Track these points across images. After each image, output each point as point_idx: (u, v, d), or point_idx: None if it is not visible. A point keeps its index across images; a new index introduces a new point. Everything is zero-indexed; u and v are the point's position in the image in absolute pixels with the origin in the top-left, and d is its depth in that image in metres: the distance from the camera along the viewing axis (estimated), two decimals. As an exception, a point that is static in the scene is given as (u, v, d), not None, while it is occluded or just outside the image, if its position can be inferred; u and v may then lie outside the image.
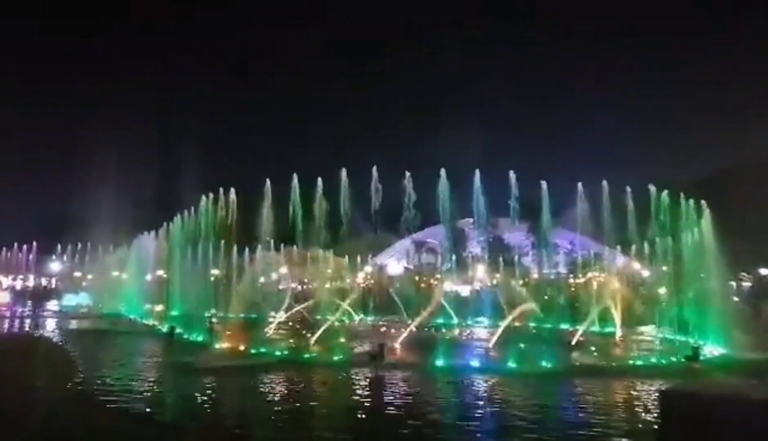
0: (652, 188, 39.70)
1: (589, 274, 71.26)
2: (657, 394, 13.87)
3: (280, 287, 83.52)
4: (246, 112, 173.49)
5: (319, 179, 38.89)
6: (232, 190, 45.45)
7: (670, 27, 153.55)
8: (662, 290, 61.60)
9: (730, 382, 16.63)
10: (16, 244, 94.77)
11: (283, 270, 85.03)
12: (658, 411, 12.04)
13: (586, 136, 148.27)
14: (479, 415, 16.09)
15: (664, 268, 61.33)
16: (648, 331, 39.94)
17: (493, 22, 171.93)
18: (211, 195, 45.18)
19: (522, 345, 26.90)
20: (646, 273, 68.22)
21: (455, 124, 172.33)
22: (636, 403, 17.69)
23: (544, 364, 23.35)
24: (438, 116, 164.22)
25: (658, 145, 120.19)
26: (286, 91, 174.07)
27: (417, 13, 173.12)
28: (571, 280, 72.27)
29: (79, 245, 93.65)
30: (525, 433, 13.50)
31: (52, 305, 71.95)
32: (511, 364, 23.54)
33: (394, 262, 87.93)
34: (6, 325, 47.19)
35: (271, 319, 39.63)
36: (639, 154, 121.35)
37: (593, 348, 28.36)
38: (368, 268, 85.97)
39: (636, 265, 70.18)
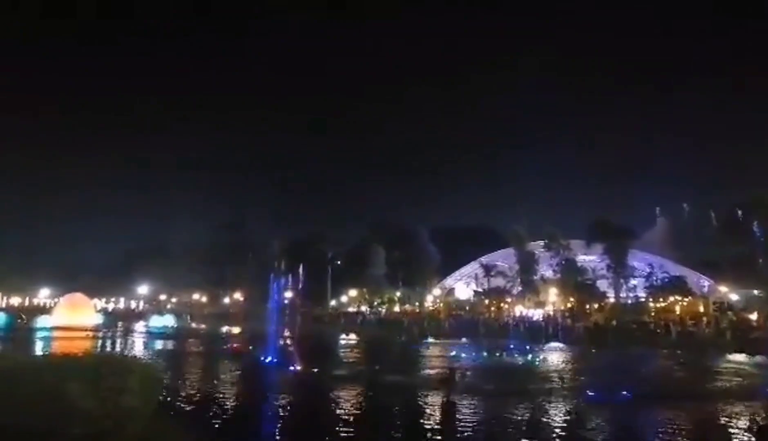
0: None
1: (671, 298, 67.72)
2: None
3: (350, 309, 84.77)
4: (323, 157, 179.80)
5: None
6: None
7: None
8: (753, 315, 57.46)
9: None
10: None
11: (353, 292, 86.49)
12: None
13: (663, 156, 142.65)
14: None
15: (756, 291, 57.30)
16: (739, 359, 37.42)
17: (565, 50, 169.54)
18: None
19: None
20: (734, 297, 64.03)
21: (527, 145, 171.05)
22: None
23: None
24: (510, 138, 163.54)
25: (739, 163, 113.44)
26: (356, 126, 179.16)
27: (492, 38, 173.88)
28: (651, 304, 68.88)
29: (162, 270, 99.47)
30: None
31: (140, 326, 76.46)
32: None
33: (463, 285, 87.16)
34: (99, 345, 50.72)
35: (342, 340, 40.43)
36: (720, 173, 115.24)
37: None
38: (436, 292, 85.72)
39: (723, 289, 66.02)
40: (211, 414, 18.14)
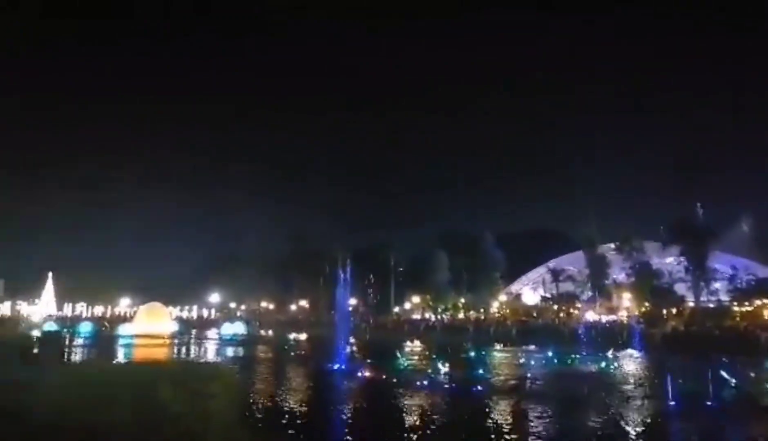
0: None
1: (758, 302, 63.28)
2: None
3: (414, 316, 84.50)
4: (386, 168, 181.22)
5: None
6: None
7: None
8: None
9: None
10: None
11: (416, 299, 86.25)
12: None
13: (743, 154, 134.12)
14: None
15: None
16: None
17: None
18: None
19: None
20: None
21: (598, 144, 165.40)
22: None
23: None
24: (581, 137, 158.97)
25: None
26: (421, 135, 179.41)
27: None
28: (736, 308, 64.60)
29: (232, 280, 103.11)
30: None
31: (212, 333, 79.41)
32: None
33: (530, 290, 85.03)
34: (176, 351, 53.09)
35: (407, 347, 40.30)
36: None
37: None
38: (502, 297, 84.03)
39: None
40: (286, 419, 18.59)
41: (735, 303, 63.73)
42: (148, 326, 69.56)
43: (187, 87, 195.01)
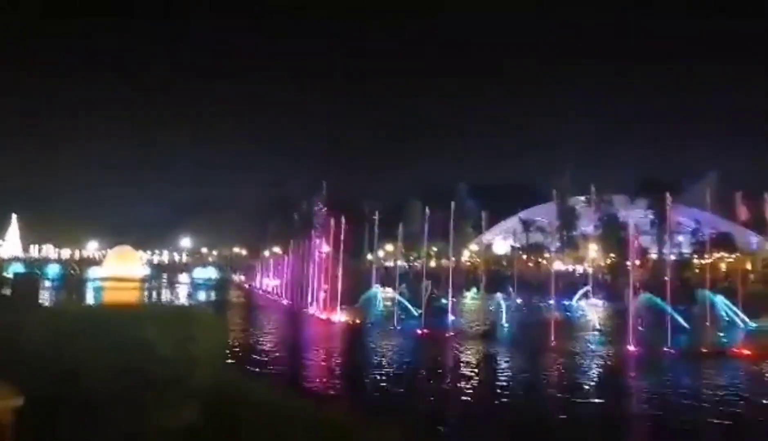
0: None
1: (716, 255, 65.79)
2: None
3: (387, 264, 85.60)
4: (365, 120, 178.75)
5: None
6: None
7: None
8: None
9: None
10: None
11: (389, 247, 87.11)
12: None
13: (711, 110, 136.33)
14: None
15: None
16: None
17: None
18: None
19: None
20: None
21: (571, 99, 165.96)
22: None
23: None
24: (554, 92, 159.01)
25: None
26: (398, 87, 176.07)
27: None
28: (696, 261, 67.07)
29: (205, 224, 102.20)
30: None
31: (184, 278, 79.36)
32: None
33: (501, 240, 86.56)
34: (147, 295, 52.95)
35: (379, 294, 40.85)
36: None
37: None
38: (474, 247, 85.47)
39: (773, 246, 63.86)
40: (266, 359, 19.09)
41: (696, 256, 66.12)
42: (118, 269, 68.63)
43: (176, 38, 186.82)
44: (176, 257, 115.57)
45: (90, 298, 44.66)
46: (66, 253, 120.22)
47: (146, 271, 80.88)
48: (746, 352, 22.22)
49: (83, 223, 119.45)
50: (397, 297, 34.21)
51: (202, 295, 53.37)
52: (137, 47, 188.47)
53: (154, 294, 54.53)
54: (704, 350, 22.83)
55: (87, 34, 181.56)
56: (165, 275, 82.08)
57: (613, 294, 46.64)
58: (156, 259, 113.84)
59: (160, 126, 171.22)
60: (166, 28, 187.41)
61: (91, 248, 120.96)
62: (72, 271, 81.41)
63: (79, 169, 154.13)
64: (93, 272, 71.13)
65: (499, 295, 48.44)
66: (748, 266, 63.84)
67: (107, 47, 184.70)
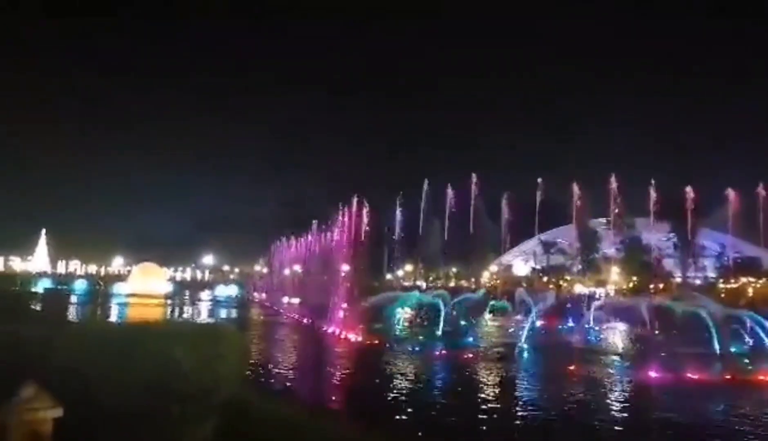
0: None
1: (743, 279, 64.41)
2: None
3: (405, 284, 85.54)
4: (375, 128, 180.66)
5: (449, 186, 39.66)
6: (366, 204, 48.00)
7: None
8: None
9: None
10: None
11: (409, 267, 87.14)
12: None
13: (736, 134, 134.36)
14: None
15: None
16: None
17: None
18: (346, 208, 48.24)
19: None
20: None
21: (594, 120, 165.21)
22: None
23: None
24: (577, 113, 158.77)
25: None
26: (419, 102, 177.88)
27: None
28: (722, 285, 65.74)
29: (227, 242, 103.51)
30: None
31: (206, 295, 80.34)
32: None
33: (521, 262, 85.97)
34: (169, 311, 53.78)
35: (398, 314, 40.90)
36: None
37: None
38: (493, 268, 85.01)
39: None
40: (287, 378, 19.38)
41: (721, 280, 64.87)
42: (142, 286, 70.20)
43: (190, 52, 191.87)
44: (199, 274, 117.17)
45: (115, 314, 45.70)
46: (92, 268, 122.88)
47: (170, 287, 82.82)
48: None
49: (109, 239, 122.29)
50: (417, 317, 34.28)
51: (223, 313, 53.96)
52: (160, 61, 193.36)
53: (177, 310, 55.36)
54: (728, 377, 22.43)
55: (112, 44, 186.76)
56: (187, 292, 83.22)
57: (634, 317, 45.87)
58: (179, 275, 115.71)
59: (184, 143, 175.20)
60: (190, 42, 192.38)
61: (117, 264, 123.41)
62: (98, 286, 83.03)
63: (106, 185, 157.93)
64: (118, 288, 72.73)
65: (518, 317, 48.10)
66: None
67: (129, 61, 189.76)
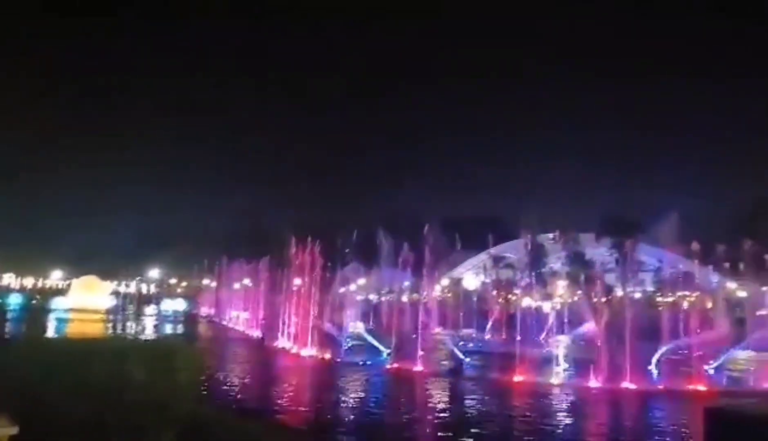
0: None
1: (679, 293, 67.83)
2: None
3: (359, 298, 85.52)
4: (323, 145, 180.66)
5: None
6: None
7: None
8: (764, 312, 57.62)
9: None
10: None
11: (362, 281, 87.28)
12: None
13: (669, 153, 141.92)
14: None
15: (765, 288, 57.42)
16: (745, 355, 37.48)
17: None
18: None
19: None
20: (743, 293, 64.06)
21: (539, 138, 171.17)
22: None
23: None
24: (523, 131, 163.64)
25: (754, 159, 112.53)
26: (369, 115, 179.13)
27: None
28: (659, 299, 69.01)
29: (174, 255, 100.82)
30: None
31: (151, 309, 77.73)
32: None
33: (471, 275, 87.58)
34: (112, 327, 51.78)
35: (350, 327, 40.91)
36: (734, 168, 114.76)
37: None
38: (445, 282, 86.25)
39: (732, 285, 66.09)
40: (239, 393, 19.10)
41: (659, 294, 68.06)
42: (83, 300, 67.32)
43: (137, 57, 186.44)
44: (144, 288, 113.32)
45: (54, 330, 43.59)
46: (29, 282, 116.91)
47: (112, 302, 79.20)
48: (701, 389, 23.08)
49: (47, 251, 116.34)
50: (365, 333, 34.44)
51: (169, 328, 52.40)
52: (103, 66, 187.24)
53: (120, 326, 53.37)
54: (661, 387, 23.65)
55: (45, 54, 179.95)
56: (131, 307, 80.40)
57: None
58: (123, 289, 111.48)
59: (125, 154, 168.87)
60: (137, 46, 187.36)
61: (55, 277, 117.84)
62: (34, 301, 79.08)
63: (44, 194, 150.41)
64: (57, 303, 69.37)
65: (468, 331, 49.00)
66: (709, 305, 65.84)
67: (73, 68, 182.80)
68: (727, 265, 55.96)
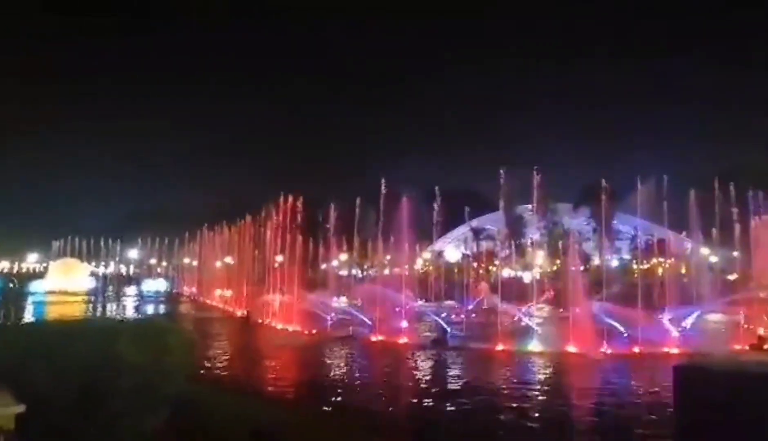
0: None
1: (654, 260, 69.49)
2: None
3: (341, 273, 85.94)
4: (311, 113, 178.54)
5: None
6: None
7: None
8: (733, 276, 59.45)
9: (748, 357, 16.63)
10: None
11: (344, 256, 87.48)
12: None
13: (648, 125, 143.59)
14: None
15: (735, 253, 59.16)
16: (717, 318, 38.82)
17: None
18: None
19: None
20: (714, 259, 65.84)
21: (519, 109, 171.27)
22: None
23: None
24: (502, 102, 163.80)
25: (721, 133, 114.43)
26: (351, 88, 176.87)
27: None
28: (635, 266, 70.66)
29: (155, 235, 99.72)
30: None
31: (132, 290, 77.14)
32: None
33: (453, 248, 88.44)
34: (92, 308, 51.39)
35: (334, 302, 41.29)
36: (707, 139, 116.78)
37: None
38: (426, 255, 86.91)
39: (704, 251, 67.80)
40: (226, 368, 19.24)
41: (635, 261, 69.66)
42: (62, 282, 66.59)
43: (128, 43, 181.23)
44: (123, 269, 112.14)
45: (31, 313, 43.10)
46: (4, 265, 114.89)
47: (92, 283, 78.32)
48: (676, 351, 24.01)
49: (23, 233, 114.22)
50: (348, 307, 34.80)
51: (150, 308, 52.22)
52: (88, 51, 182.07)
53: (101, 308, 52.97)
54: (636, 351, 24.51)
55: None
56: (111, 288, 79.72)
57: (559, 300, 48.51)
58: (102, 271, 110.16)
59: (107, 132, 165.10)
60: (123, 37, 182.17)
61: (32, 260, 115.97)
62: (11, 284, 77.80)
63: (15, 177, 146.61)
64: (36, 286, 68.41)
65: (451, 302, 49.75)
66: (683, 270, 67.63)
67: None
68: (699, 232, 57.23)
